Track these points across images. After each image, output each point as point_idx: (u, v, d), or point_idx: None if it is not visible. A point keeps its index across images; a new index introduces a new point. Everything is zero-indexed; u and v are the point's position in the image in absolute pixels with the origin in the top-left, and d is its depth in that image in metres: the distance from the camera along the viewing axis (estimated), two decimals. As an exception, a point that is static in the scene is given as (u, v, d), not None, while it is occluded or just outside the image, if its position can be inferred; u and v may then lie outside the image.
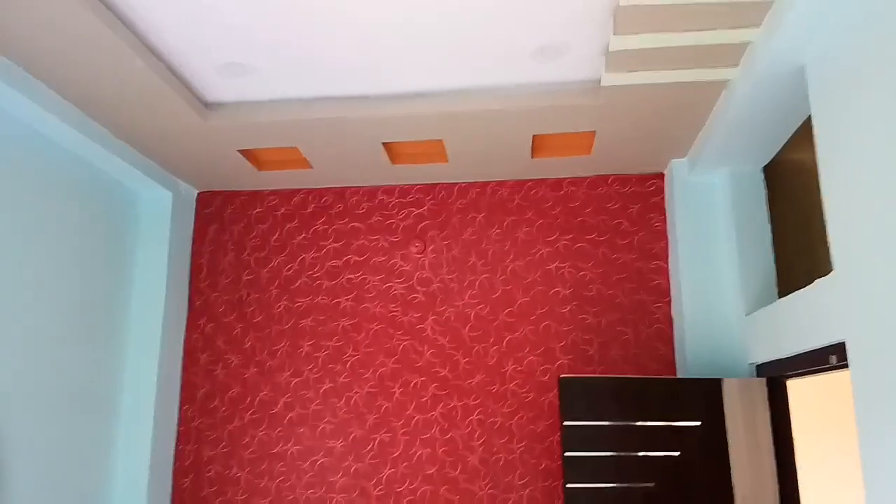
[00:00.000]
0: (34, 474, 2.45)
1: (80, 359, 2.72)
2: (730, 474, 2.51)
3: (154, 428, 2.96)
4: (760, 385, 2.58)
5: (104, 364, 2.88)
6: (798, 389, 2.60)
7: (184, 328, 3.24)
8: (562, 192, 3.18)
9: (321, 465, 3.05)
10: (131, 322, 3.06)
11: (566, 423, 2.55)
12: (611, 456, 2.53)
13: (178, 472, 3.10)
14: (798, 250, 2.62)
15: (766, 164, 2.85)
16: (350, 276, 3.23)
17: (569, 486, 2.49)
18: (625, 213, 3.12)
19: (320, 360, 3.16)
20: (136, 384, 3.00)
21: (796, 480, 2.50)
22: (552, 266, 3.12)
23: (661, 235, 3.09)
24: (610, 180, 3.16)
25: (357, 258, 3.25)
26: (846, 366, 1.93)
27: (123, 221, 3.05)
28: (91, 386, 2.78)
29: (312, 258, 3.27)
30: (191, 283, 3.29)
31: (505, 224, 3.19)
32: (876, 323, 1.67)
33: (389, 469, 3.03)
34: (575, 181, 3.18)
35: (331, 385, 3.13)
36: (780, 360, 2.46)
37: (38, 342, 2.48)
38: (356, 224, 3.28)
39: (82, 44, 2.01)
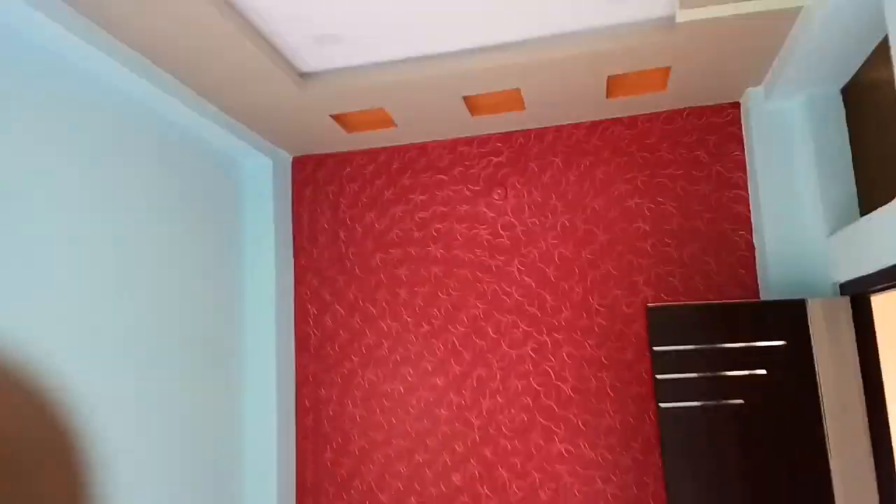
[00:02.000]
0: (174, 417, 2.82)
1: (207, 315, 3.06)
2: (817, 391, 2.62)
3: (277, 374, 3.32)
4: (844, 303, 2.66)
5: (227, 319, 3.22)
6: (882, 306, 2.67)
7: (292, 284, 3.56)
8: (637, 129, 3.27)
9: (426, 400, 3.34)
10: (246, 280, 3.39)
11: (655, 348, 2.71)
12: (699, 377, 2.68)
13: (301, 412, 3.46)
14: (879, 169, 2.64)
15: (843, 85, 2.84)
16: (438, 225, 3.45)
17: (661, 405, 2.67)
18: (702, 146, 3.19)
19: (417, 306, 3.42)
20: (256, 336, 3.35)
21: (883, 394, 2.59)
22: (631, 203, 3.24)
23: (740, 165, 3.14)
24: (685, 114, 3.22)
25: (443, 209, 3.45)
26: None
27: (231, 189, 3.36)
28: (217, 339, 3.13)
29: (402, 211, 3.50)
30: (294, 242, 3.60)
31: (582, 165, 3.32)
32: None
33: (488, 401, 3.28)
34: (650, 117, 3.26)
35: (428, 328, 3.39)
36: (863, 277, 2.53)
37: (170, 300, 2.81)
38: (440, 176, 3.48)
39: (195, 29, 2.25)
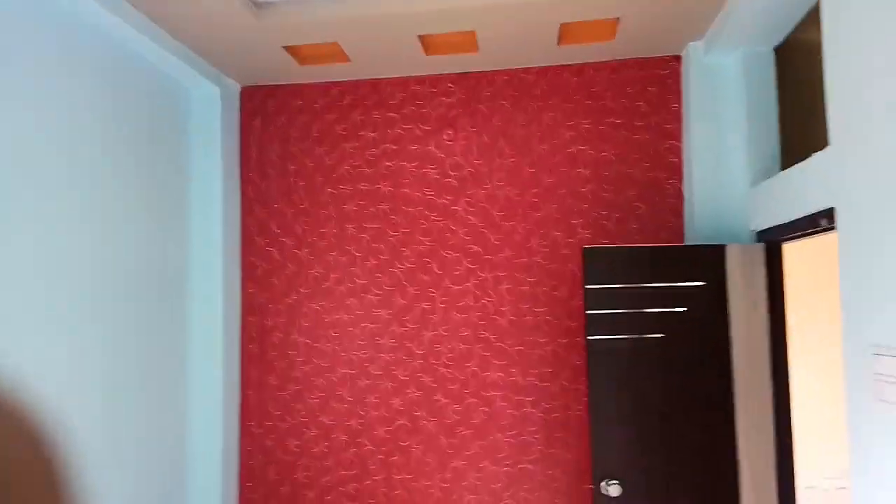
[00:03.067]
0: (119, 344, 2.86)
1: (152, 243, 3.07)
2: (728, 326, 2.90)
3: (223, 302, 3.38)
4: (759, 249, 2.93)
5: (172, 247, 3.24)
6: (791, 253, 2.95)
7: (239, 215, 3.58)
8: (584, 77, 3.40)
9: (370, 331, 3.49)
10: (192, 209, 3.40)
11: (588, 286, 2.92)
12: (626, 313, 2.92)
13: (246, 339, 3.55)
14: (800, 128, 2.88)
15: (776, 45, 3.04)
16: (388, 163, 3.52)
17: (590, 338, 2.90)
18: (643, 96, 3.35)
19: (364, 240, 3.52)
20: (202, 265, 3.38)
21: (785, 330, 2.90)
22: (574, 149, 3.39)
23: (677, 116, 3.33)
24: (630, 64, 3.36)
25: (393, 147, 3.52)
26: (833, 229, 2.25)
27: (178, 117, 3.31)
28: (163, 267, 3.15)
29: (352, 148, 3.55)
30: (242, 173, 3.60)
31: (531, 110, 3.43)
32: (860, 192, 1.97)
33: (430, 332, 3.45)
34: (598, 66, 3.39)
35: (375, 262, 3.51)
36: (778, 226, 2.79)
37: (114, 228, 2.80)
38: (391, 114, 3.53)
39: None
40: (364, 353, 3.49)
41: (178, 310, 3.26)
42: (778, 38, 2.99)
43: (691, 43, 3.18)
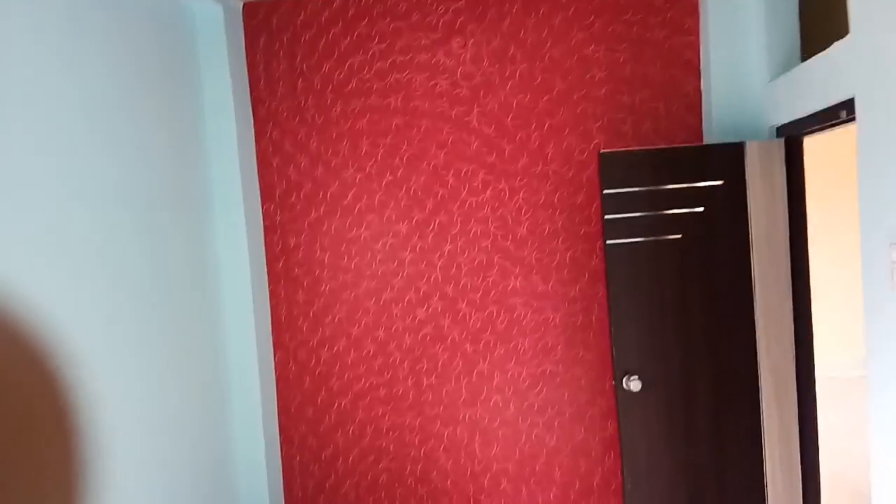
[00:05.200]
0: (144, 270, 2.95)
1: (169, 168, 3.09)
2: (748, 224, 2.92)
3: (246, 222, 3.44)
4: (779, 144, 2.89)
5: (191, 172, 3.27)
6: (812, 148, 2.91)
7: (253, 136, 3.58)
8: (596, -26, 3.26)
9: (391, 245, 3.56)
10: (207, 132, 3.40)
11: (605, 191, 2.93)
12: (644, 216, 2.94)
13: (271, 258, 3.64)
14: (820, 18, 2.76)
15: (800, -74, 2.87)
16: (397, 75, 3.46)
17: (608, 242, 2.94)
18: (658, -9, 3.22)
19: (379, 155, 3.52)
20: (222, 187, 3.42)
21: (805, 227, 2.91)
22: (588, 50, 3.30)
23: (693, 10, 3.20)
24: (644, -43, 3.21)
25: (402, 58, 3.45)
26: (853, 119, 2.21)
27: (184, 38, 3.26)
28: (182, 192, 3.19)
29: (360, 61, 3.48)
30: (252, 93, 3.57)
31: (541, 11, 3.32)
32: (881, 79, 1.93)
33: (449, 245, 3.51)
34: (609, -39, 3.24)
35: (391, 177, 3.52)
36: (797, 120, 2.74)
37: (130, 156, 2.81)
38: (397, 23, 3.44)
39: None
40: (387, 267, 3.57)
41: (201, 233, 3.33)
42: (802, -82, 2.82)
43: (709, -72, 3.02)
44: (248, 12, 3.54)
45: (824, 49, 2.37)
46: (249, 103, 3.57)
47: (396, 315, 3.59)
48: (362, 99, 3.50)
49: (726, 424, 2.99)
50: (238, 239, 3.44)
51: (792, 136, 2.86)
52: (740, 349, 2.96)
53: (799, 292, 2.93)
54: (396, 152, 3.51)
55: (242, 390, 3.51)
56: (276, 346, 3.68)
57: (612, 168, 2.93)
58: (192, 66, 3.33)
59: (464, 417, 3.57)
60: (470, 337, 3.55)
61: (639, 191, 2.92)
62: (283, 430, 3.69)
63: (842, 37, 2.21)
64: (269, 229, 3.64)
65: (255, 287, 3.50)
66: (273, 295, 3.66)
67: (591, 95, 3.32)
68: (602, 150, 2.97)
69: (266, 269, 3.65)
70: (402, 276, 3.56)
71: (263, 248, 3.63)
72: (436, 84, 3.44)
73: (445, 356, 3.57)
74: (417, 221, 3.53)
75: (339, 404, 3.66)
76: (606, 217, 2.94)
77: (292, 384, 3.69)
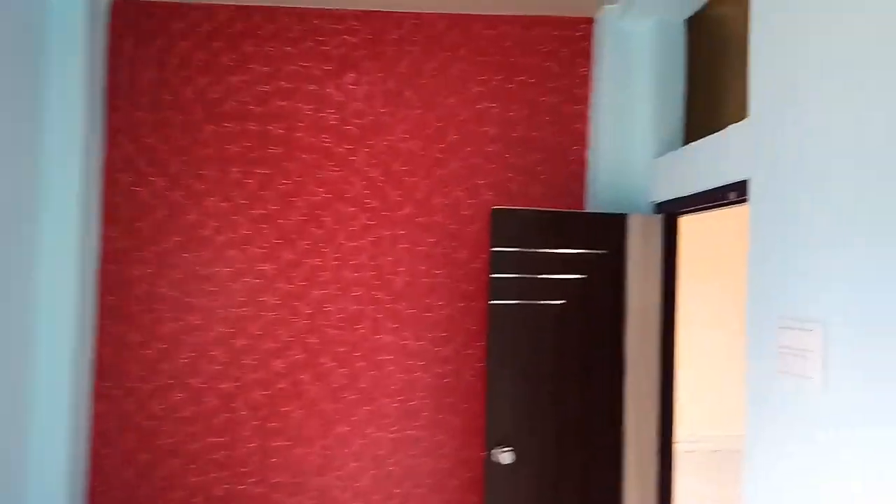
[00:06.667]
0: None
1: (-4, 169, 2.58)
2: (624, 295, 2.92)
3: (80, 246, 2.93)
4: (659, 219, 2.96)
5: (21, 179, 2.74)
6: (686, 226, 3.02)
7: (102, 147, 3.10)
8: (496, 31, 3.25)
9: (252, 286, 3.18)
10: (47, 138, 2.89)
11: (494, 248, 2.81)
12: (529, 278, 2.85)
13: (105, 290, 3.11)
14: (704, 105, 2.92)
15: (688, 16, 3.05)
16: (280, 102, 3.19)
17: (492, 301, 2.81)
18: (555, 57, 3.26)
19: (250, 187, 3.18)
20: (57, 202, 2.90)
21: (676, 303, 2.97)
22: (483, 105, 3.25)
23: (586, 81, 3.28)
24: (543, 21, 3.26)
25: (288, 85, 3.19)
26: (742, 201, 2.28)
27: (32, 29, 2.78)
28: (6, 201, 2.66)
29: (241, 82, 3.17)
30: (109, 100, 3.11)
31: (440, 59, 3.24)
32: (777, 164, 1.99)
33: (319, 291, 3.21)
34: (510, 20, 3.25)
35: (261, 211, 3.19)
36: (675, 199, 2.83)
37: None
38: (288, 48, 3.19)
39: None
40: (244, 311, 3.18)
41: (19, 252, 2.77)
42: (690, 10, 3.00)
43: (607, 6, 3.13)
44: (117, 11, 3.13)
45: (705, 134, 2.45)
46: (103, 111, 3.11)
47: (248, 366, 3.18)
48: (238, 122, 3.18)
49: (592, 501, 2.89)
50: (66, 263, 2.91)
51: (671, 213, 2.95)
52: (609, 424, 2.91)
53: (666, 367, 2.97)
54: (270, 185, 3.19)
55: (45, 446, 2.89)
56: (98, 394, 3.10)
57: (503, 225, 2.83)
58: (40, 62, 2.84)
59: (313, 487, 3.18)
60: (331, 395, 3.21)
61: (527, 252, 2.84)
62: (93, 494, 3.07)
63: (724, 124, 2.29)
64: (107, 256, 3.12)
65: (79, 323, 2.95)
66: (102, 333, 3.11)
67: (482, 151, 3.25)
68: (495, 207, 2.87)
69: (97, 303, 3.10)
70: (261, 322, 3.18)
71: (96, 277, 3.10)
72: (323, 117, 3.20)
73: (300, 415, 3.19)
74: (286, 263, 3.20)
75: (167, 467, 3.12)
76: (493, 276, 2.81)
77: (111, 440, 3.11)
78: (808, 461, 1.77)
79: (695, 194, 2.65)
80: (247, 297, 3.18)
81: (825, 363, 1.71)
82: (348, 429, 3.21)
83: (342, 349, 3.21)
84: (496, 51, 3.25)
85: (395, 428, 3.23)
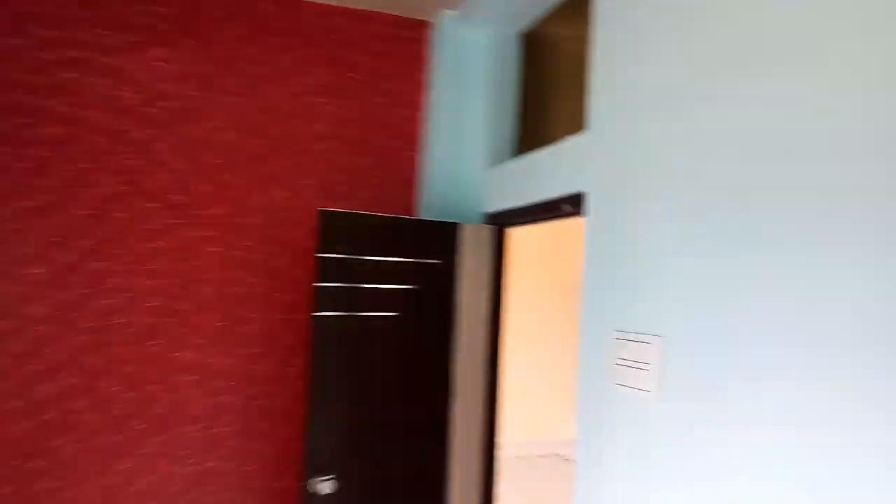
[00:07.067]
0: None
1: None
2: (456, 305, 2.81)
3: None
4: (491, 229, 2.90)
5: None
6: (515, 236, 3.00)
7: None
8: (331, 22, 3.02)
9: (16, 294, 2.58)
10: None
11: (320, 255, 2.55)
12: (359, 288, 2.61)
13: None
14: (533, 119, 2.94)
15: (523, 30, 3.07)
16: (67, 74, 2.66)
17: (317, 314, 2.53)
18: (391, 57, 3.11)
19: (19, 171, 2.60)
20: None
21: (502, 315, 2.93)
22: (309, 99, 2.99)
23: (420, 86, 3.16)
24: (381, 18, 3.10)
25: (77, 54, 2.68)
26: (576, 214, 2.26)
27: None
28: None
29: (17, 45, 2.60)
30: None
31: (267, 45, 2.93)
32: (614, 178, 1.98)
33: (104, 300, 2.69)
34: (347, 12, 3.04)
35: (31, 203, 2.61)
36: (503, 211, 2.80)
37: None
38: (83, 12, 2.68)
39: None
40: (1, 324, 2.57)
41: None
42: (524, 24, 3.02)
43: (446, 11, 3.05)
44: None
45: (532, 150, 2.44)
46: None
47: (5, 393, 2.56)
48: (7, 93, 2.59)
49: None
50: None
51: (502, 224, 2.91)
52: (436, 441, 2.77)
53: (492, 379, 2.91)
54: (47, 170, 2.63)
55: None
56: None
57: (331, 229, 2.57)
58: None
59: (88, 537, 2.63)
60: (113, 425, 2.69)
61: (357, 259, 2.61)
62: None
63: (553, 140, 2.28)
64: None
65: None
66: None
67: (309, 148, 2.98)
68: (322, 208, 2.61)
69: None
70: (23, 338, 2.59)
71: None
72: (119, 95, 2.73)
73: (74, 451, 2.63)
74: (61, 266, 2.64)
75: None
76: (318, 284, 2.54)
77: None
78: (642, 472, 1.74)
79: (529, 206, 2.62)
80: (6, 307, 2.57)
81: (662, 375, 1.69)
82: (134, 464, 2.71)
83: (130, 369, 2.71)
84: (327, 42, 3.02)
85: (192, 461, 2.79)
